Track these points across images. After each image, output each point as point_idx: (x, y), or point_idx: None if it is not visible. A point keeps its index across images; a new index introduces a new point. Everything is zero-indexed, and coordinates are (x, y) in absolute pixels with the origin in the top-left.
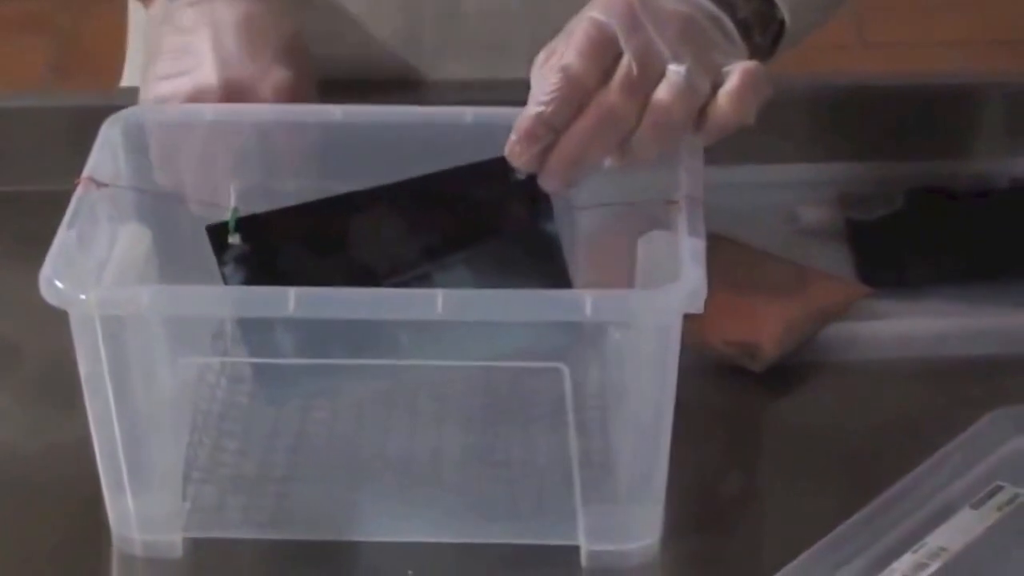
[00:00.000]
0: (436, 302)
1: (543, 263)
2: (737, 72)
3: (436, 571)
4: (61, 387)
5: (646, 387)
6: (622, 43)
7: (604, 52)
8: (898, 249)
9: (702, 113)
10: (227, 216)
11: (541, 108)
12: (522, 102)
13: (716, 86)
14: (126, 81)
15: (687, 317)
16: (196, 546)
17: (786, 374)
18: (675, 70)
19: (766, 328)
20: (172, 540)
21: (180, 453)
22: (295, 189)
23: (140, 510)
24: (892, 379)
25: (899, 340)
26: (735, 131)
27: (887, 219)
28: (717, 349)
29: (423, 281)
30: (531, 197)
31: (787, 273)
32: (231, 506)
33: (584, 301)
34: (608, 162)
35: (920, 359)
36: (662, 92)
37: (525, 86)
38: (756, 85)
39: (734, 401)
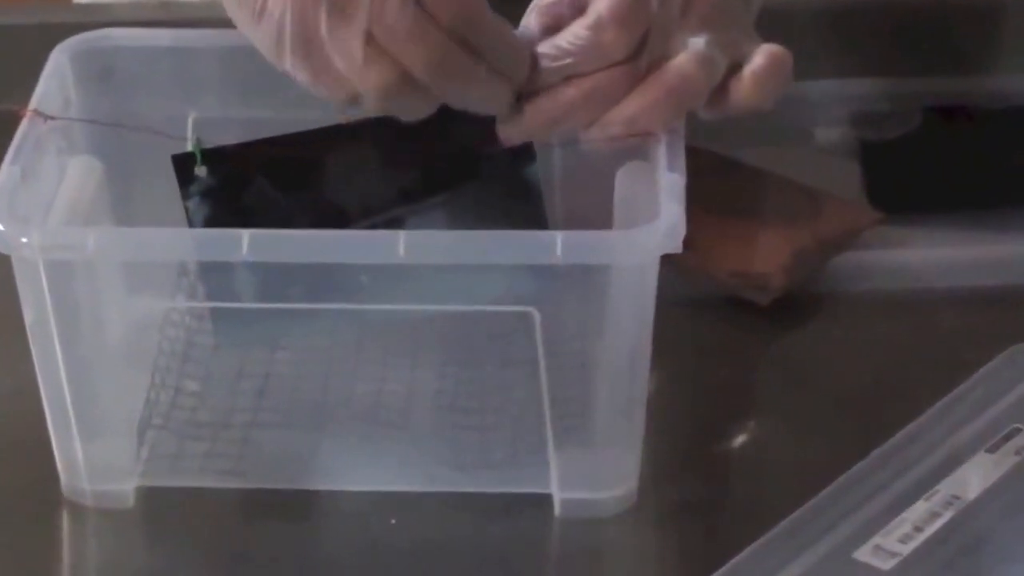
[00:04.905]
0: (398, 245)
1: (522, 210)
2: (764, 54)
3: (405, 521)
4: (7, 328)
5: (622, 330)
6: (653, 7)
7: (640, 22)
8: (914, 172)
9: (717, 91)
10: (190, 147)
11: (563, 61)
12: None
13: (732, 65)
14: None
15: (685, 248)
16: (151, 496)
17: (793, 307)
18: (696, 41)
19: (773, 257)
20: (123, 490)
21: (136, 398)
22: (255, 119)
23: (90, 459)
24: (905, 313)
25: (913, 270)
26: (748, 114)
27: (903, 140)
28: (720, 280)
29: (396, 224)
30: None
31: (797, 198)
32: (191, 453)
33: (554, 242)
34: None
35: (935, 291)
36: (683, 60)
37: None
38: (782, 69)
39: (737, 337)
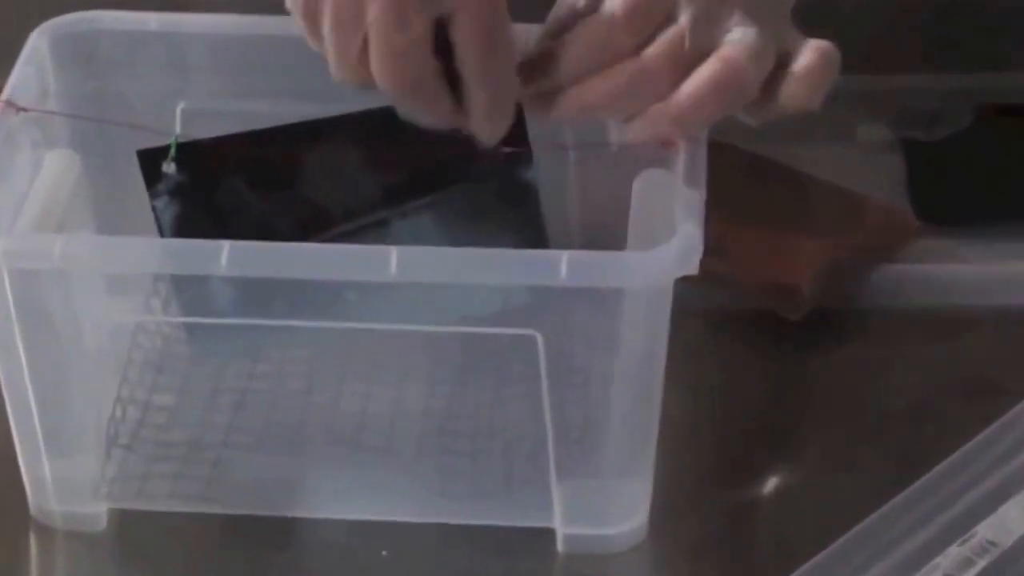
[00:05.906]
0: (390, 261)
1: (516, 213)
2: (812, 50)
3: (397, 554)
4: None
5: (632, 352)
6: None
7: (652, 15)
8: (963, 177)
9: (762, 90)
10: (168, 141)
11: (569, 57)
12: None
13: (779, 61)
14: None
15: (711, 255)
16: (122, 518)
17: (826, 323)
18: (746, 31)
19: (806, 267)
20: (95, 512)
21: (108, 413)
22: (249, 112)
23: (59, 478)
24: (948, 333)
25: (958, 286)
26: (794, 115)
27: (951, 141)
28: (746, 291)
29: (380, 228)
30: (509, 136)
31: (833, 202)
32: (159, 475)
33: (559, 262)
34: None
35: (981, 309)
36: (732, 51)
37: None
38: (832, 67)
39: (762, 355)
